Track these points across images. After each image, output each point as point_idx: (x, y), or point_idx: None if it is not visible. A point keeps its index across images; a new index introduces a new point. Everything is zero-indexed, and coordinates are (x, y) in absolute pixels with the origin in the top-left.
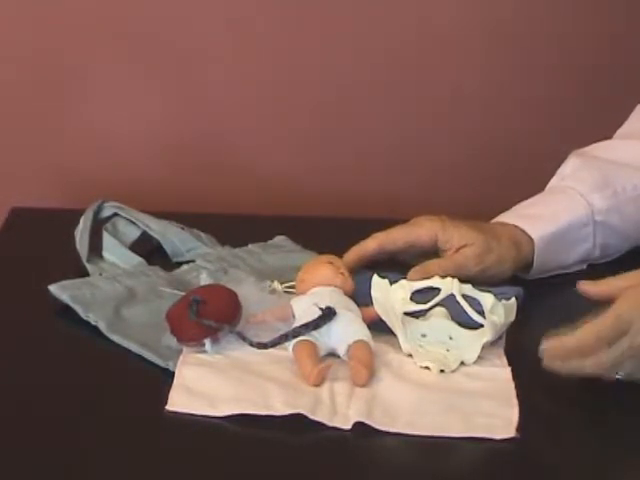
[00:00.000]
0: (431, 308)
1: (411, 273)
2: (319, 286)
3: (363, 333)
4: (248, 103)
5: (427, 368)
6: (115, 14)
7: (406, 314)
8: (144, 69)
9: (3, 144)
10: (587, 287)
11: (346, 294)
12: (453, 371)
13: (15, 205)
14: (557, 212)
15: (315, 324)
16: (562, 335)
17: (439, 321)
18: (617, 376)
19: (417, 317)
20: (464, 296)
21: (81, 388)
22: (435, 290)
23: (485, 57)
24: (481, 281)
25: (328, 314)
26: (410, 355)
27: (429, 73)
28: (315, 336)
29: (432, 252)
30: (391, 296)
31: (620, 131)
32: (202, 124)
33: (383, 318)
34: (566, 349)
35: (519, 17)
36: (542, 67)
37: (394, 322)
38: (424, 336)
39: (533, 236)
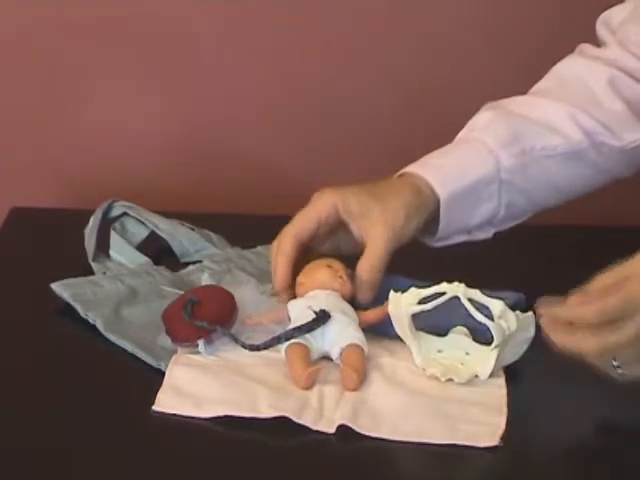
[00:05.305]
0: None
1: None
2: (317, 289)
3: (357, 337)
4: (249, 103)
5: (436, 378)
6: (114, 14)
7: (418, 329)
8: (145, 69)
9: (3, 144)
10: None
11: (344, 298)
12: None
13: (15, 205)
14: (465, 168)
15: (309, 327)
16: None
17: (457, 338)
18: (615, 367)
19: (436, 334)
20: (471, 300)
21: (80, 389)
22: (442, 295)
23: (485, 57)
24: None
25: (322, 317)
26: (424, 369)
27: (429, 73)
28: (308, 339)
29: (342, 225)
30: (401, 305)
31: (536, 87)
32: (205, 124)
33: (399, 333)
34: (562, 319)
35: (519, 17)
36: (543, 68)
37: (408, 336)
38: (440, 351)
39: (440, 193)
